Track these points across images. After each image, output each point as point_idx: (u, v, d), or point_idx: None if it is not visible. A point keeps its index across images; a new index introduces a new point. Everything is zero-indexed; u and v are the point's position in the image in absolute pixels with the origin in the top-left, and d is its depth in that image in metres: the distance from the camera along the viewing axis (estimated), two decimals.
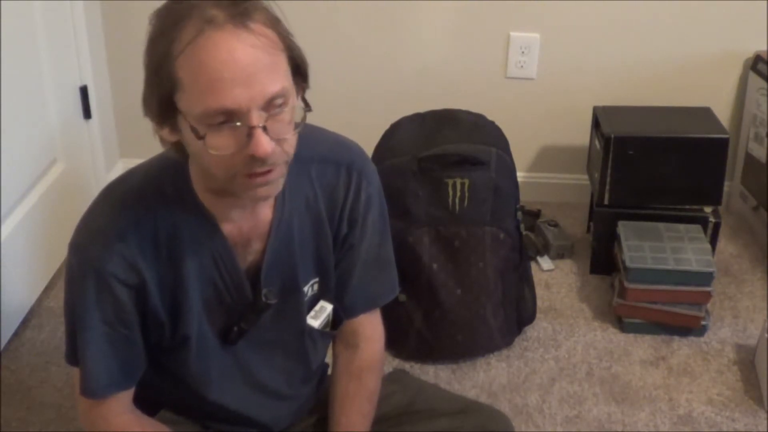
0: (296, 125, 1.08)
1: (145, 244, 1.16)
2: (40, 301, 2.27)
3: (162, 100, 1.05)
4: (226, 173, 1.07)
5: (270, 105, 1.04)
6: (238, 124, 1.02)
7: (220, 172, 1.08)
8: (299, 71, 1.10)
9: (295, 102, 1.09)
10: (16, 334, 2.15)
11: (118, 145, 2.79)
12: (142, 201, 1.17)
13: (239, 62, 1.00)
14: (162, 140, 1.12)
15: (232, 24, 1.01)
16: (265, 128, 1.03)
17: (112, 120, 2.74)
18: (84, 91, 2.49)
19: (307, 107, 1.10)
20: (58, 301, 2.26)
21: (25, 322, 2.20)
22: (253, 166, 1.05)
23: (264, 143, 1.03)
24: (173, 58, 1.02)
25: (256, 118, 1.02)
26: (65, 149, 2.41)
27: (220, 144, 1.04)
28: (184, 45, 1.01)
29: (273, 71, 1.03)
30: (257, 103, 1.02)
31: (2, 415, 1.91)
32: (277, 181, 1.10)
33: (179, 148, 1.11)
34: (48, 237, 2.28)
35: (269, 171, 1.07)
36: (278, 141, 1.06)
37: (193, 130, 1.04)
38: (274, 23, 1.06)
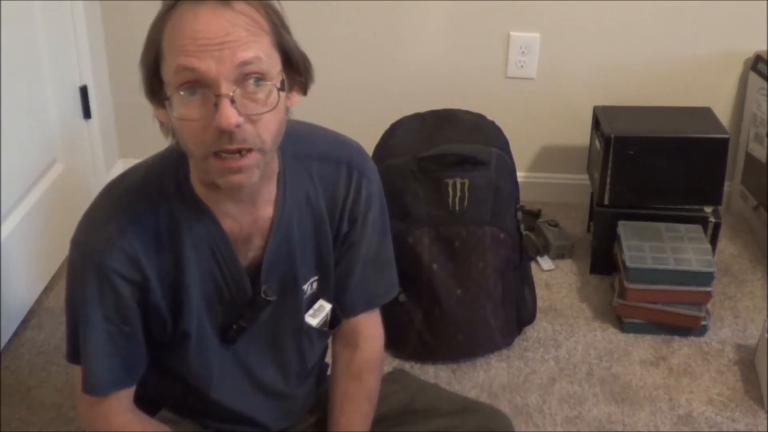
0: (273, 106, 1.07)
1: (147, 240, 1.16)
2: (40, 301, 2.27)
3: (149, 72, 1.08)
4: (199, 150, 1.07)
5: (243, 78, 1.04)
6: (208, 91, 1.03)
7: (194, 149, 1.08)
8: (291, 62, 1.11)
9: (277, 86, 1.08)
10: (16, 334, 2.15)
11: (117, 145, 2.79)
12: (143, 197, 1.17)
13: (214, 31, 1.03)
14: (160, 123, 1.13)
15: (216, 0, 1.04)
16: (234, 101, 1.04)
17: (112, 120, 2.74)
18: (84, 91, 2.49)
19: (283, 88, 1.10)
20: (58, 301, 2.27)
21: (25, 322, 2.20)
22: (221, 141, 1.05)
23: (229, 114, 1.03)
24: (159, 32, 1.06)
25: (225, 87, 1.03)
26: (65, 149, 2.41)
27: (188, 111, 1.05)
28: (168, 18, 1.05)
29: (248, 44, 1.04)
30: (227, 70, 1.03)
31: (2, 415, 1.91)
32: (251, 169, 1.08)
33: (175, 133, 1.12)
34: (48, 237, 2.28)
35: (242, 156, 1.06)
36: (249, 118, 1.06)
37: (164, 93, 1.06)
38: (264, 8, 1.08)
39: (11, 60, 2.06)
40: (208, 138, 1.05)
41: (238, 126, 1.04)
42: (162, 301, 1.20)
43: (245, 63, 1.04)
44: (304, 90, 1.16)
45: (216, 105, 1.03)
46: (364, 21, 2.60)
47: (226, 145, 1.05)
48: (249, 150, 1.07)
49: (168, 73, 1.06)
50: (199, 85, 1.04)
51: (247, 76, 1.05)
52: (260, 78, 1.06)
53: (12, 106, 2.07)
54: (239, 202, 1.19)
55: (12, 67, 2.07)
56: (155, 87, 1.09)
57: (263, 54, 1.06)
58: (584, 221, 2.63)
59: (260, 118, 1.07)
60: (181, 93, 1.05)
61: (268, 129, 1.08)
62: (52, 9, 2.30)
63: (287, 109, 1.13)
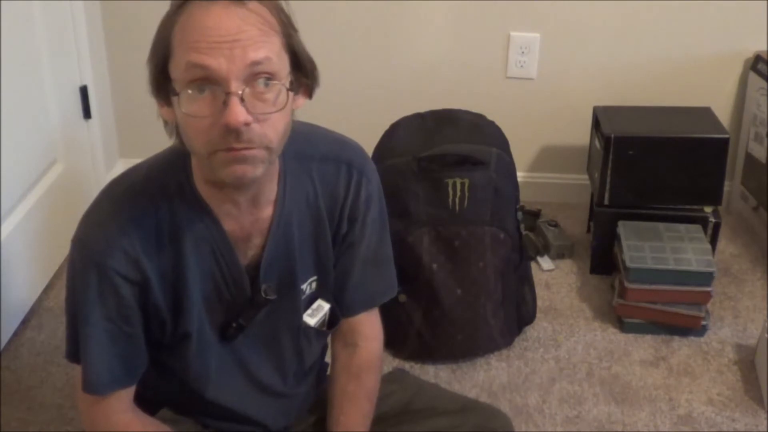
0: (281, 107, 1.08)
1: (147, 240, 1.16)
2: (40, 301, 2.27)
3: (157, 68, 1.08)
4: (206, 147, 1.07)
5: (252, 78, 1.04)
6: (218, 88, 1.03)
7: (199, 147, 1.08)
8: (299, 65, 1.11)
9: (286, 87, 1.08)
10: (16, 334, 2.15)
11: (118, 145, 2.79)
12: (144, 196, 1.17)
13: (226, 29, 1.03)
14: (165, 122, 1.13)
15: None
16: (243, 99, 1.04)
17: (112, 120, 2.74)
18: (84, 91, 2.49)
19: (292, 89, 1.10)
20: (58, 301, 2.27)
21: (25, 322, 2.20)
22: (229, 139, 1.05)
23: (237, 112, 1.03)
24: (169, 29, 1.06)
25: (235, 85, 1.03)
26: (65, 149, 2.41)
27: (196, 108, 1.05)
28: (179, 15, 1.05)
29: (259, 43, 1.04)
30: (237, 69, 1.03)
31: (2, 415, 1.91)
32: (255, 162, 1.08)
33: (179, 131, 1.12)
34: (48, 237, 2.28)
35: (248, 148, 1.07)
36: (257, 118, 1.06)
37: (172, 90, 1.06)
38: (275, 9, 1.08)
39: (11, 60, 2.06)
40: (215, 136, 1.05)
41: (246, 125, 1.04)
42: (162, 301, 1.20)
43: (256, 63, 1.04)
44: (309, 93, 1.16)
45: (225, 103, 1.03)
46: (364, 21, 2.60)
47: (233, 144, 1.05)
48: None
49: (177, 69, 1.06)
50: (209, 82, 1.04)
51: (257, 76, 1.05)
52: (270, 78, 1.06)
53: (12, 106, 2.07)
54: (241, 203, 1.19)
55: (12, 67, 2.07)
56: (162, 84, 1.09)
57: (274, 54, 1.06)
58: (584, 221, 2.63)
59: (268, 118, 1.07)
60: (190, 90, 1.05)
61: (275, 129, 1.08)
62: (52, 9, 2.30)
63: (293, 112, 1.14)
